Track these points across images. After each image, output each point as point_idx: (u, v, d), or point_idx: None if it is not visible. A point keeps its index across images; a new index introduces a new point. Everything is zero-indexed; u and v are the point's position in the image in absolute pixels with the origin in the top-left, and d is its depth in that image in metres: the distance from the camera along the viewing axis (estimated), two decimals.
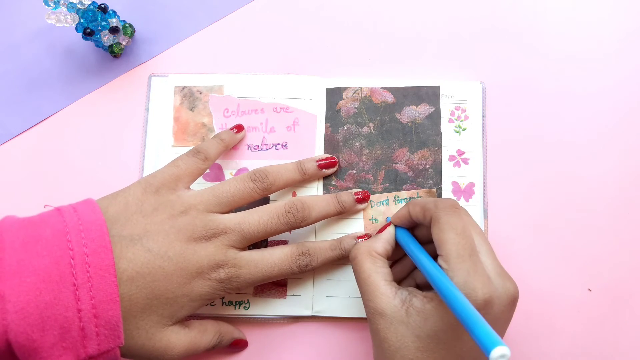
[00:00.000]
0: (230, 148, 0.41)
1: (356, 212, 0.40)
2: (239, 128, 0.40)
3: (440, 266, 0.30)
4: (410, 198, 0.40)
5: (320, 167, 0.39)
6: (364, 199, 0.39)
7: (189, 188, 0.35)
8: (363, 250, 0.34)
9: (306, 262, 0.35)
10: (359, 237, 0.38)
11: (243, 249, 0.34)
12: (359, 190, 0.40)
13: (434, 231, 0.31)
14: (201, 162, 0.36)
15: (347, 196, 0.39)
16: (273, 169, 0.37)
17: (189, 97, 0.42)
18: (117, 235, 0.31)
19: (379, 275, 0.32)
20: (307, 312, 0.39)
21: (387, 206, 0.40)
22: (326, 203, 0.37)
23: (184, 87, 0.42)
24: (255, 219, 0.34)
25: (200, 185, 0.41)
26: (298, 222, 0.35)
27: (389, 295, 0.31)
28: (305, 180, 0.39)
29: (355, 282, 0.39)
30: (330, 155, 0.40)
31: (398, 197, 0.40)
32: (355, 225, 0.40)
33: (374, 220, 0.40)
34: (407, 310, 0.30)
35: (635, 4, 0.44)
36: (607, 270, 0.40)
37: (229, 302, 0.39)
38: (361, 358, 0.40)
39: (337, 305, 0.39)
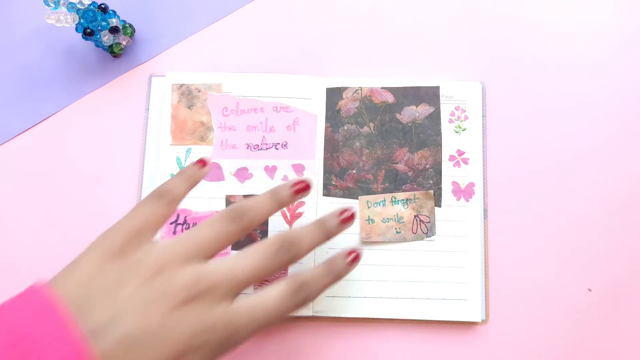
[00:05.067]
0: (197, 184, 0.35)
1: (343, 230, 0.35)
2: (203, 163, 0.35)
3: None
4: (407, 200, 0.40)
5: (296, 192, 0.34)
6: (349, 219, 0.35)
7: (153, 239, 0.30)
8: None
9: (305, 295, 0.31)
10: (349, 254, 0.34)
11: (233, 299, 0.29)
12: (344, 208, 0.35)
13: None
14: (166, 206, 0.31)
15: (332, 220, 0.34)
16: (249, 205, 0.32)
17: (187, 95, 0.42)
18: (88, 330, 0.25)
19: None
20: (307, 312, 0.39)
21: (383, 207, 0.40)
22: (311, 236, 0.33)
23: (181, 85, 0.42)
24: (248, 264, 0.29)
25: (200, 184, 0.41)
26: (292, 258, 0.31)
27: None
28: (282, 208, 0.34)
29: (355, 282, 0.39)
30: (302, 179, 0.35)
31: (395, 198, 0.40)
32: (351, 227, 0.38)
33: (370, 221, 0.40)
34: None
35: (635, 6, 0.44)
36: (607, 270, 0.40)
37: None
38: (361, 358, 0.39)
39: (337, 305, 0.39)
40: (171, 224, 0.41)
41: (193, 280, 0.27)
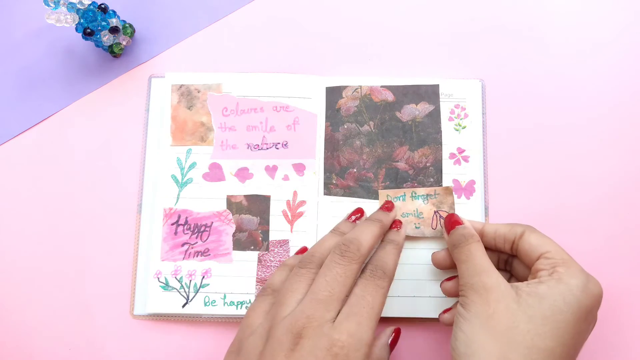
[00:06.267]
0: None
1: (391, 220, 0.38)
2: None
3: (546, 259, 0.31)
4: (427, 195, 0.40)
5: (354, 222, 0.38)
6: (390, 207, 0.38)
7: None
8: (474, 234, 0.34)
9: (380, 268, 0.33)
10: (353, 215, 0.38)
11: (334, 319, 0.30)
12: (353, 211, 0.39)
13: (531, 239, 0.33)
14: (269, 295, 0.34)
15: (378, 214, 0.37)
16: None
17: (187, 96, 0.42)
18: None
19: (488, 258, 0.33)
20: None
21: (403, 202, 0.40)
22: (367, 229, 0.35)
23: (181, 86, 0.42)
24: (324, 284, 0.31)
25: (200, 185, 0.41)
26: (354, 253, 0.32)
27: (499, 273, 0.31)
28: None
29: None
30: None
31: (415, 193, 0.40)
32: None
33: None
34: (517, 292, 0.30)
35: (635, 2, 0.44)
36: (606, 270, 0.40)
37: (231, 302, 0.39)
38: None
39: None
40: (172, 224, 0.41)
41: (291, 322, 0.29)
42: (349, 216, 0.38)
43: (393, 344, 0.35)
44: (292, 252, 0.40)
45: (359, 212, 0.38)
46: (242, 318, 0.34)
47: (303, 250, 0.39)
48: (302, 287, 0.32)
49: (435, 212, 0.40)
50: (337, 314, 0.30)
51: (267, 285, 0.34)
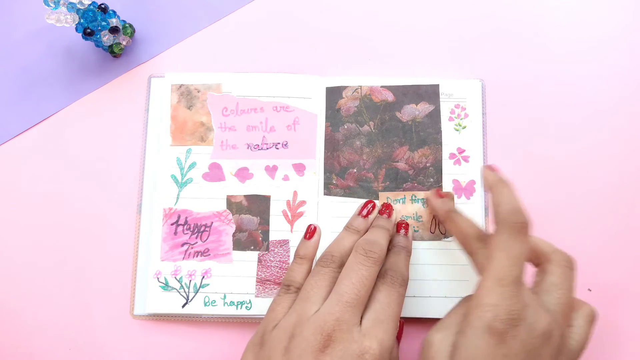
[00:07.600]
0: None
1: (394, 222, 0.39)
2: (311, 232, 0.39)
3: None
4: (427, 199, 0.40)
5: (365, 216, 0.38)
6: (390, 212, 0.38)
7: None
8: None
9: (398, 275, 0.33)
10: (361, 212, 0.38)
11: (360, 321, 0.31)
12: (382, 204, 0.39)
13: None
14: (294, 293, 0.34)
15: (382, 221, 0.37)
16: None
17: (187, 96, 0.42)
18: None
19: None
20: None
21: (403, 204, 0.40)
22: (382, 233, 0.35)
23: (180, 86, 0.42)
24: (350, 287, 0.31)
25: (200, 185, 0.41)
26: (379, 255, 0.33)
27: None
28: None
29: None
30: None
31: (415, 196, 0.41)
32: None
33: None
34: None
35: (635, 1, 0.44)
36: (607, 270, 0.40)
37: (231, 302, 0.39)
38: None
39: None
40: (172, 224, 0.41)
41: (319, 323, 0.30)
42: (360, 211, 0.38)
43: (399, 337, 0.36)
44: (292, 252, 0.40)
45: (370, 205, 0.38)
46: (267, 311, 0.34)
47: (309, 229, 0.38)
48: (326, 285, 0.32)
49: (434, 216, 0.40)
50: (361, 317, 0.31)
51: (290, 281, 0.35)
